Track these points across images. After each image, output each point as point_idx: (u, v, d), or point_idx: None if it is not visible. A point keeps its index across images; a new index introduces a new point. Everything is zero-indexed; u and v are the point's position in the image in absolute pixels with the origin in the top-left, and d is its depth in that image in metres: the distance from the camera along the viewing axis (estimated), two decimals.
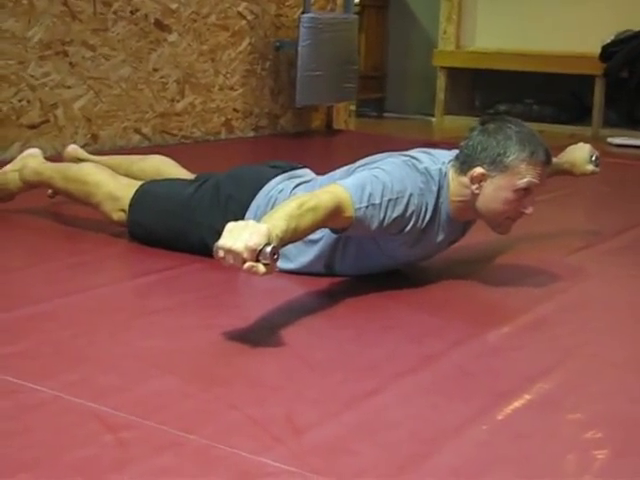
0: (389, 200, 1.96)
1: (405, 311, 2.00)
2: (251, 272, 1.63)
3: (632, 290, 2.31)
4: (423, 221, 2.04)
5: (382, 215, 1.96)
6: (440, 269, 2.29)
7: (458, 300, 2.12)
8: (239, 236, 1.63)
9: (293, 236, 1.78)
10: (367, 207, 1.93)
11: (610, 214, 3.25)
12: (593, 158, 2.59)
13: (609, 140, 5.38)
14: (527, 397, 1.54)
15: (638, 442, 1.42)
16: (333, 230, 1.99)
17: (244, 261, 1.62)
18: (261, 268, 1.63)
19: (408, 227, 2.03)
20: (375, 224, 1.96)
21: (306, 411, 1.45)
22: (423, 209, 2.03)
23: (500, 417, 1.46)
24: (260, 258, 1.62)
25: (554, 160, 2.53)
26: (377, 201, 1.94)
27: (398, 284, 2.14)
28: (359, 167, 2.11)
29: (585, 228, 3.07)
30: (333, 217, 1.89)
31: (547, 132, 5.63)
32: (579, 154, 2.60)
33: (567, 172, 2.62)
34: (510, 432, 1.42)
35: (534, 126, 6.20)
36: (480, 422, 1.43)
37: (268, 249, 1.62)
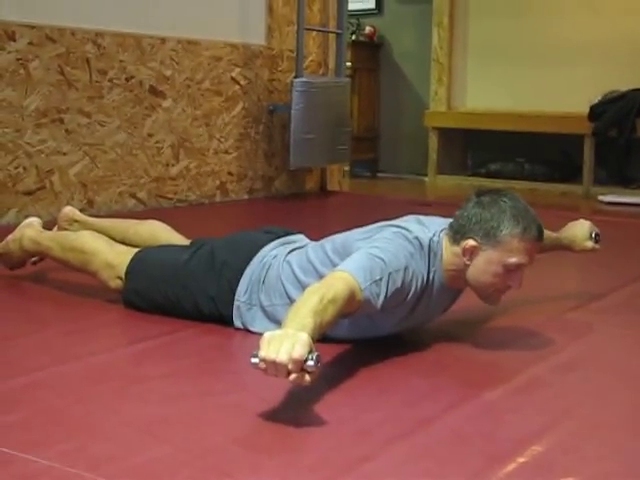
0: (389, 274, 1.96)
1: (399, 374, 2.01)
2: (297, 382, 1.61)
3: (625, 349, 2.32)
4: (416, 289, 2.06)
5: (384, 290, 1.95)
6: (433, 331, 2.30)
7: (451, 362, 2.13)
8: (280, 347, 1.58)
9: (320, 332, 1.72)
10: (370, 284, 1.92)
11: (602, 272, 3.27)
12: (593, 235, 2.61)
13: (600, 198, 5.43)
14: (520, 460, 1.55)
15: None
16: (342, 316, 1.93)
17: (289, 372, 1.58)
18: (307, 378, 1.60)
19: (407, 298, 2.05)
20: (380, 300, 1.95)
21: (300, 478, 1.45)
22: (417, 278, 2.05)
23: None
24: (304, 367, 1.59)
25: (554, 235, 2.57)
26: (378, 277, 1.94)
27: (391, 346, 2.15)
28: (355, 241, 2.12)
29: (577, 287, 3.09)
30: (349, 304, 1.86)
31: (539, 190, 5.70)
32: (579, 230, 2.62)
33: (567, 248, 2.63)
34: None
35: (525, 185, 6.27)
36: None
37: (313, 359, 1.59)
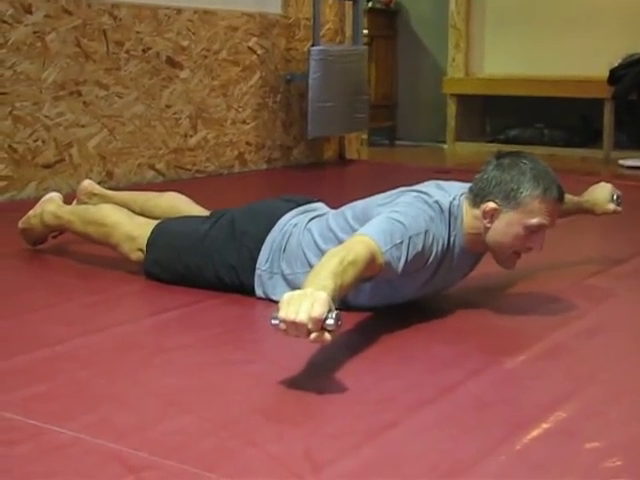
0: (410, 238, 1.96)
1: (421, 342, 2.01)
2: (317, 341, 1.61)
3: None
4: (437, 253, 2.06)
5: (405, 253, 1.95)
6: (455, 298, 2.30)
7: (474, 329, 2.12)
8: (299, 306, 1.57)
9: (340, 293, 1.72)
10: (391, 248, 1.92)
11: (623, 237, 3.25)
12: (615, 197, 2.59)
13: (620, 162, 5.38)
14: (545, 426, 1.54)
15: None
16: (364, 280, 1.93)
17: (309, 332, 1.58)
18: (327, 336, 1.59)
19: (428, 262, 2.05)
20: (401, 264, 1.95)
21: (324, 446, 1.46)
22: (437, 242, 2.05)
23: (518, 447, 1.47)
24: (324, 326, 1.59)
25: (576, 199, 2.55)
26: (398, 240, 1.94)
27: (413, 314, 2.15)
28: (376, 206, 2.12)
29: (598, 252, 3.07)
30: (369, 267, 1.86)
31: (558, 156, 5.65)
32: (601, 193, 2.60)
33: (589, 211, 2.62)
34: (529, 462, 1.42)
35: (545, 150, 6.22)
36: (498, 453, 1.44)
37: (333, 318, 1.58)
